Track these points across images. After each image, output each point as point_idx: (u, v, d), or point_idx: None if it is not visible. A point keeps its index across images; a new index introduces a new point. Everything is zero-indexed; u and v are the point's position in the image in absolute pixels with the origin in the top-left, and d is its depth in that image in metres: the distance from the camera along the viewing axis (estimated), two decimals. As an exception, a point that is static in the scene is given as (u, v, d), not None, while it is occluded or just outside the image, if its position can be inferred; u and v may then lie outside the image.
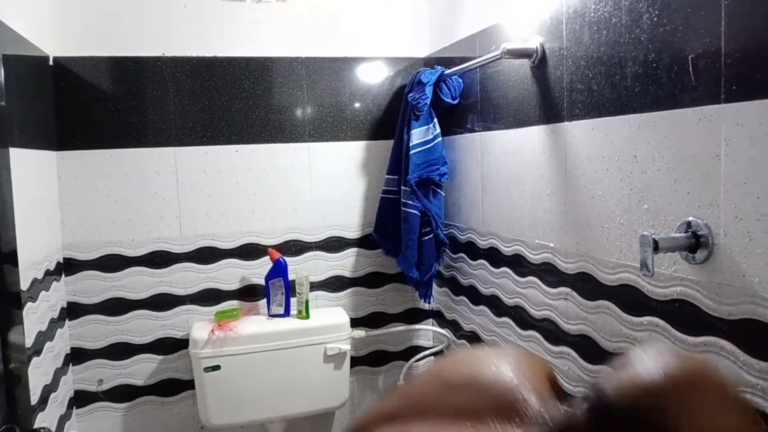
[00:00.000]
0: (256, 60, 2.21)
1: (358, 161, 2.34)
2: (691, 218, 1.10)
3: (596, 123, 1.35)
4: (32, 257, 1.68)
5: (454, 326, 2.25)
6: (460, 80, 2.04)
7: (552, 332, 1.59)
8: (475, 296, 2.02)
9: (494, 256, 1.88)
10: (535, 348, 1.68)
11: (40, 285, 1.74)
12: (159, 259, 2.16)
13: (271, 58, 2.22)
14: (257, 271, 2.25)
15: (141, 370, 2.18)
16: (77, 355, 2.11)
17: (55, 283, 1.94)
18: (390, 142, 2.27)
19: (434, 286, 2.36)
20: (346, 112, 2.31)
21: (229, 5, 2.19)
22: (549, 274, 1.59)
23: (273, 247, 2.23)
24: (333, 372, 2.10)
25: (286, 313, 2.19)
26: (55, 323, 1.91)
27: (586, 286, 1.43)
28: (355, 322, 2.33)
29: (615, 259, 1.32)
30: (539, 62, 1.56)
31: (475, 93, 1.94)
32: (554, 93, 1.51)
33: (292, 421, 2.15)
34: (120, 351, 2.15)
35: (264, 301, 2.24)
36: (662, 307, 1.19)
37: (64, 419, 1.95)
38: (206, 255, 2.21)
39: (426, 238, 2.13)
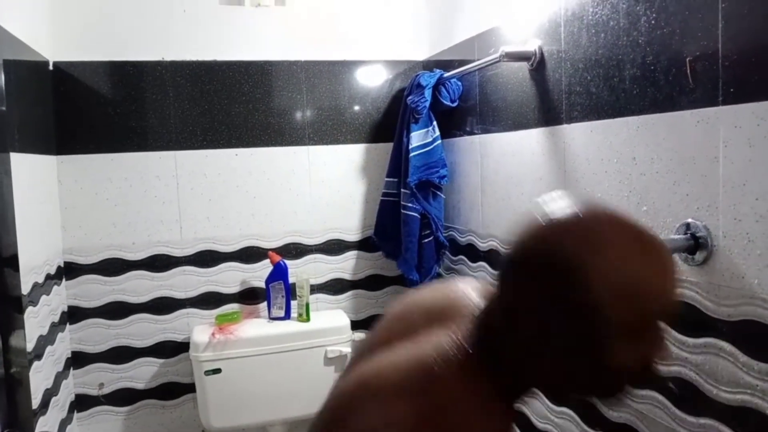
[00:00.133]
0: (256, 64, 2.21)
1: (357, 164, 2.34)
2: (690, 220, 1.10)
3: (595, 125, 1.36)
4: (33, 261, 1.68)
5: (454, 328, 2.25)
6: (459, 83, 2.04)
7: (552, 334, 1.59)
8: (475, 298, 2.02)
9: (494, 258, 1.89)
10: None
11: (40, 289, 1.74)
12: (159, 263, 2.16)
13: (270, 62, 2.23)
14: (257, 274, 2.25)
15: (142, 373, 2.18)
16: (78, 359, 2.11)
17: (55, 287, 1.94)
18: (389, 145, 2.27)
19: (434, 288, 2.36)
20: (346, 115, 2.31)
21: (228, 9, 2.19)
22: (549, 276, 1.59)
23: (273, 250, 2.24)
24: (334, 375, 2.10)
25: (287, 316, 2.19)
26: (56, 327, 1.92)
27: (586, 287, 1.43)
28: (356, 325, 2.33)
29: (614, 260, 1.32)
30: (538, 65, 1.57)
31: (474, 96, 1.94)
32: (553, 95, 1.52)
33: (292, 424, 2.15)
34: (121, 355, 2.15)
35: (264, 304, 2.24)
36: (662, 308, 1.19)
37: (65, 423, 1.95)
38: (206, 258, 2.21)
39: (426, 240, 2.13)
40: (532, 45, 1.57)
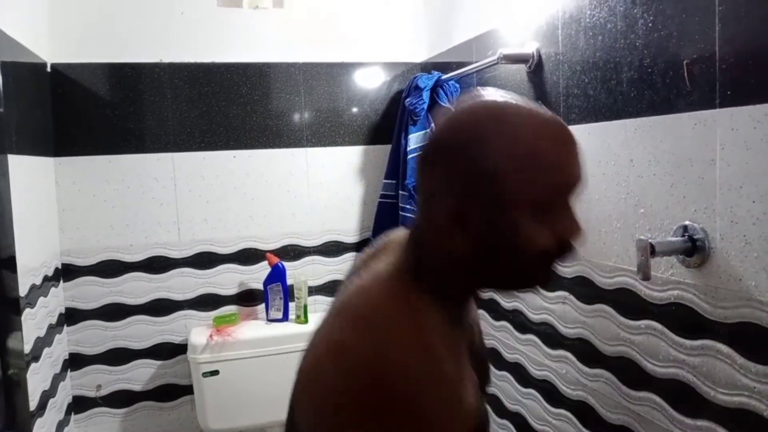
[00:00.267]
0: (254, 66, 2.22)
1: (355, 166, 2.34)
2: (687, 222, 1.10)
3: (592, 128, 1.36)
4: (30, 263, 1.68)
5: (452, 330, 2.25)
6: (457, 85, 2.04)
7: (550, 336, 1.59)
8: (473, 300, 2.02)
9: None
10: (533, 351, 1.69)
11: (38, 291, 1.74)
12: (157, 265, 2.16)
13: (268, 64, 2.23)
14: (255, 276, 2.25)
15: (139, 375, 2.18)
16: (76, 361, 2.11)
17: (53, 288, 1.94)
18: (387, 147, 2.27)
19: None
20: (344, 117, 2.32)
21: (227, 11, 2.20)
22: (546, 278, 1.59)
23: (271, 252, 2.24)
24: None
25: (285, 317, 2.19)
26: (54, 329, 1.91)
27: (584, 290, 1.44)
28: (354, 327, 2.32)
29: (612, 263, 1.33)
30: (535, 67, 1.57)
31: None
32: (550, 98, 1.52)
33: (290, 426, 2.15)
34: (118, 356, 2.15)
35: (262, 306, 2.24)
36: (659, 310, 1.19)
37: (62, 425, 1.95)
38: (204, 260, 2.21)
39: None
40: (529, 47, 1.58)
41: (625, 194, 1.27)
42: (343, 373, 0.65)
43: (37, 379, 1.66)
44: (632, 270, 1.25)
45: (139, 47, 2.11)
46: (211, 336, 2.03)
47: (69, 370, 2.10)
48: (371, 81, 2.33)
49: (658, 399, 1.21)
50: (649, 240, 1.07)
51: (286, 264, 2.22)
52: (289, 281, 2.20)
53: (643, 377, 1.24)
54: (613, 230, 1.31)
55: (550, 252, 0.68)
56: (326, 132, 2.30)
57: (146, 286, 2.16)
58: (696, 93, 1.07)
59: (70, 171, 2.06)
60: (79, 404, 2.13)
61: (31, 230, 1.73)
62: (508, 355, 1.83)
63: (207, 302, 2.22)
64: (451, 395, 0.65)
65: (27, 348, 1.58)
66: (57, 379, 1.91)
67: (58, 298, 2.02)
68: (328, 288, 2.35)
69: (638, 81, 1.21)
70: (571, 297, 1.49)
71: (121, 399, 2.17)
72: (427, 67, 2.30)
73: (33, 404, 1.61)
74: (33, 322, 1.67)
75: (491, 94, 0.72)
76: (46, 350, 1.78)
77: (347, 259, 2.36)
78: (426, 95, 2.04)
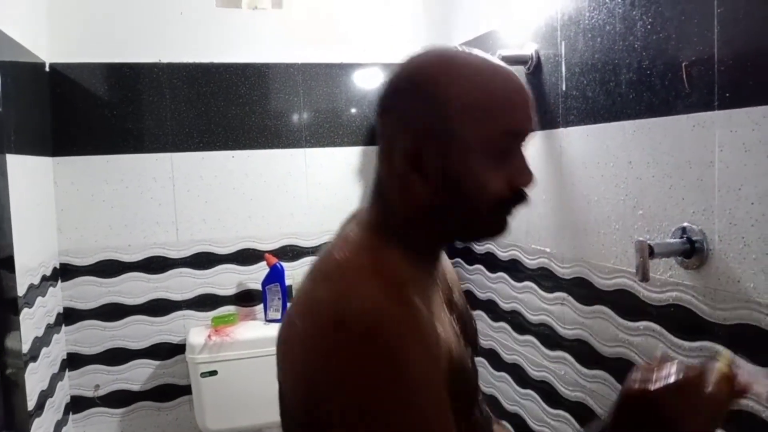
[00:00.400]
0: (253, 66, 2.21)
1: (354, 167, 2.34)
2: (686, 224, 1.11)
3: (591, 129, 1.36)
4: (29, 263, 1.68)
5: (450, 331, 2.25)
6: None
7: (549, 337, 1.60)
8: (472, 301, 2.03)
9: (491, 261, 1.89)
10: (532, 353, 1.69)
11: (36, 290, 1.74)
12: (155, 265, 2.16)
13: (267, 65, 2.23)
14: (254, 276, 2.25)
15: (137, 375, 2.18)
16: (74, 361, 2.11)
17: (51, 288, 1.94)
18: (386, 148, 2.27)
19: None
20: (343, 118, 2.32)
21: (226, 12, 2.19)
22: (545, 279, 1.60)
23: (270, 252, 2.24)
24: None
25: (283, 318, 2.18)
26: (52, 329, 1.91)
27: (583, 291, 1.44)
28: (352, 327, 2.32)
29: (611, 264, 1.33)
30: (534, 69, 1.57)
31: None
32: (549, 99, 1.52)
33: (288, 427, 2.15)
34: (116, 356, 2.15)
35: (261, 306, 2.23)
36: (658, 312, 1.20)
37: (60, 425, 1.94)
38: (203, 260, 2.21)
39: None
40: (529, 49, 1.58)
41: (624, 196, 1.27)
42: (309, 324, 0.66)
43: (35, 379, 1.66)
44: (631, 271, 1.25)
45: (138, 47, 2.10)
46: (209, 336, 2.03)
47: (67, 370, 2.09)
48: (370, 82, 2.33)
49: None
50: (648, 241, 1.07)
51: (284, 264, 2.22)
52: (287, 282, 2.20)
53: (642, 378, 1.24)
54: (612, 231, 1.32)
55: (504, 198, 0.70)
56: (325, 132, 2.30)
57: (145, 286, 2.15)
58: (695, 95, 1.07)
59: (69, 171, 2.06)
60: (77, 404, 2.12)
61: (30, 230, 1.73)
62: (507, 356, 1.83)
63: (205, 302, 2.22)
64: (420, 334, 0.65)
65: (25, 348, 1.58)
66: (55, 379, 1.91)
67: (57, 298, 2.01)
68: (327, 288, 2.34)
69: (637, 83, 1.21)
70: (570, 298, 1.49)
71: (119, 399, 2.16)
72: (426, 67, 2.29)
73: (31, 404, 1.60)
74: (31, 322, 1.67)
75: (442, 46, 0.75)
76: (44, 350, 1.78)
77: (346, 260, 2.36)
78: (425, 96, 2.04)
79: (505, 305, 1.82)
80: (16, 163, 1.58)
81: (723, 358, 0.66)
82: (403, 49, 2.47)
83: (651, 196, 1.20)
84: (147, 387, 2.19)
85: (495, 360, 1.89)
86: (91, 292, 2.10)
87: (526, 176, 0.71)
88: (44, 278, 1.85)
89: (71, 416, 2.11)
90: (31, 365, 1.63)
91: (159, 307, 2.17)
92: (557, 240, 1.53)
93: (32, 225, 1.77)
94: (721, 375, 0.64)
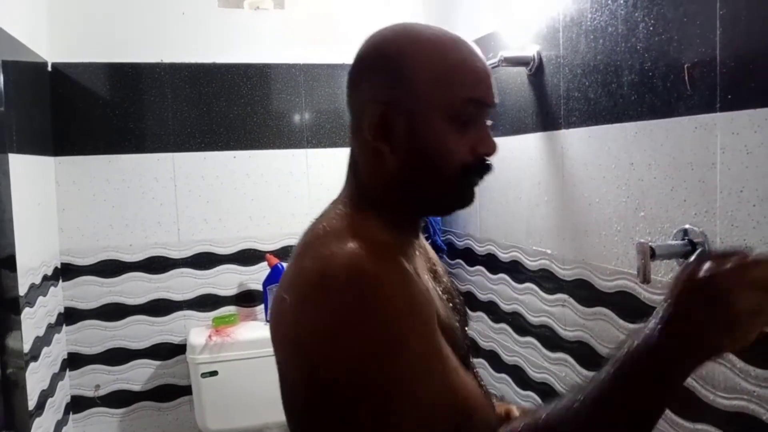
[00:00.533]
0: (255, 66, 2.22)
1: (355, 167, 2.34)
2: (687, 226, 1.10)
3: (593, 131, 1.36)
4: (30, 262, 1.68)
5: (451, 332, 2.25)
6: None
7: (550, 339, 1.59)
8: (473, 302, 2.02)
9: (492, 263, 1.89)
10: (532, 354, 1.68)
11: (37, 290, 1.74)
12: (157, 265, 2.16)
13: (269, 65, 2.23)
14: (255, 276, 2.25)
15: (138, 375, 2.18)
16: (74, 361, 2.11)
17: (52, 288, 1.94)
18: (388, 149, 2.27)
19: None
20: (344, 119, 2.31)
21: (228, 12, 2.20)
22: (546, 280, 1.59)
23: (271, 252, 2.24)
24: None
25: (284, 318, 2.18)
26: (53, 328, 1.91)
27: (584, 292, 1.44)
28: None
29: (612, 266, 1.33)
30: (536, 70, 1.57)
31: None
32: (551, 101, 1.52)
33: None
34: (117, 356, 2.15)
35: (262, 306, 2.24)
36: (659, 313, 1.19)
37: (60, 425, 1.95)
38: (204, 261, 2.21)
39: (424, 244, 2.13)
40: (530, 50, 1.58)
41: (626, 197, 1.27)
42: (297, 293, 0.67)
43: (35, 379, 1.66)
44: (632, 273, 1.25)
45: (140, 47, 2.11)
46: (210, 336, 2.03)
47: (68, 369, 2.10)
48: (372, 82, 2.33)
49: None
50: (649, 243, 1.07)
51: (285, 265, 2.21)
52: (288, 282, 2.20)
53: (643, 380, 1.24)
54: (613, 233, 1.31)
55: (468, 164, 0.73)
56: (327, 133, 2.30)
57: (146, 286, 2.15)
58: (696, 97, 1.07)
59: (71, 170, 2.06)
60: (78, 404, 2.12)
61: (31, 229, 1.73)
62: (508, 358, 1.83)
63: (206, 303, 2.22)
64: (406, 281, 0.67)
65: (26, 347, 1.58)
66: (56, 378, 1.91)
67: (57, 298, 2.02)
68: (328, 289, 2.34)
69: (639, 84, 1.21)
70: (571, 300, 1.49)
71: (119, 399, 2.17)
72: (428, 68, 2.29)
73: (31, 404, 1.61)
74: (32, 322, 1.67)
75: (404, 22, 0.79)
76: (44, 350, 1.78)
77: (347, 261, 2.36)
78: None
79: (505, 306, 1.82)
80: (17, 162, 1.58)
81: None
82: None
83: (652, 198, 1.19)
84: (147, 387, 2.19)
85: (495, 361, 1.89)
86: (92, 291, 2.10)
87: (489, 145, 0.75)
88: (45, 278, 1.85)
89: (71, 416, 2.11)
90: (31, 365, 1.63)
91: (160, 307, 2.17)
92: (558, 241, 1.53)
93: (34, 224, 1.77)
94: None
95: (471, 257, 2.03)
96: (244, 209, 2.23)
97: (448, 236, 2.19)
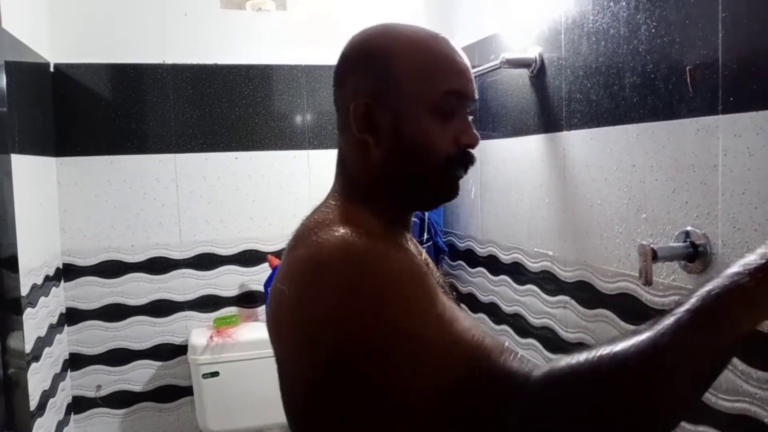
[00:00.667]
0: (256, 67, 2.22)
1: (357, 168, 2.34)
2: (689, 228, 1.10)
3: (594, 132, 1.36)
4: (32, 263, 1.68)
5: (452, 333, 2.25)
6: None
7: (551, 340, 1.59)
8: (474, 304, 2.02)
9: (493, 264, 1.89)
10: (534, 356, 1.68)
11: (39, 290, 1.74)
12: (158, 266, 2.16)
13: (271, 66, 2.23)
14: (256, 277, 2.25)
15: (139, 376, 2.18)
16: (76, 361, 2.11)
17: (54, 288, 1.94)
18: (389, 150, 2.27)
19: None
20: (346, 120, 2.31)
21: (230, 13, 2.20)
22: (548, 282, 1.59)
23: (272, 253, 2.24)
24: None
25: (285, 319, 2.19)
26: (54, 329, 1.91)
27: (585, 294, 1.44)
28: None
29: (614, 267, 1.33)
30: (538, 72, 1.57)
31: (474, 102, 1.94)
32: (553, 102, 1.52)
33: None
34: (118, 357, 2.15)
35: (263, 307, 2.24)
36: (660, 315, 1.19)
37: (62, 425, 1.95)
38: (205, 261, 2.21)
39: (425, 245, 2.13)
40: (532, 52, 1.58)
41: (627, 199, 1.27)
42: (294, 281, 0.68)
43: (37, 379, 1.66)
44: (634, 275, 1.25)
45: (142, 48, 2.11)
46: (211, 337, 2.03)
47: (69, 370, 2.10)
48: (373, 84, 2.33)
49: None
50: (651, 245, 1.07)
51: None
52: (289, 283, 2.20)
53: (644, 382, 1.24)
54: (615, 235, 1.31)
55: (451, 155, 0.74)
56: (328, 134, 2.30)
57: (147, 286, 2.16)
58: (698, 99, 1.07)
59: (72, 171, 2.06)
60: (79, 404, 2.13)
61: (33, 230, 1.73)
62: (509, 359, 1.82)
63: (207, 303, 2.22)
64: (404, 253, 0.68)
65: (28, 348, 1.58)
66: (57, 379, 1.91)
67: (59, 298, 2.02)
68: (329, 290, 2.34)
69: (641, 86, 1.21)
70: (572, 302, 1.49)
71: (120, 400, 2.17)
72: (430, 70, 2.29)
73: (33, 404, 1.61)
74: (34, 322, 1.67)
75: (385, 22, 0.82)
76: (46, 350, 1.78)
77: (348, 262, 2.36)
78: (428, 98, 2.04)
79: (507, 308, 1.82)
80: (20, 163, 1.58)
81: None
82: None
83: (654, 200, 1.19)
84: (149, 388, 2.19)
85: (497, 363, 1.88)
86: (93, 292, 2.11)
87: (472, 136, 0.76)
88: (47, 278, 1.85)
89: (73, 416, 2.11)
90: (33, 365, 1.63)
91: (161, 308, 2.18)
92: (560, 243, 1.53)
93: (35, 225, 1.77)
94: None
95: (472, 259, 2.03)
96: (245, 210, 2.24)
97: (450, 237, 2.19)
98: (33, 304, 1.67)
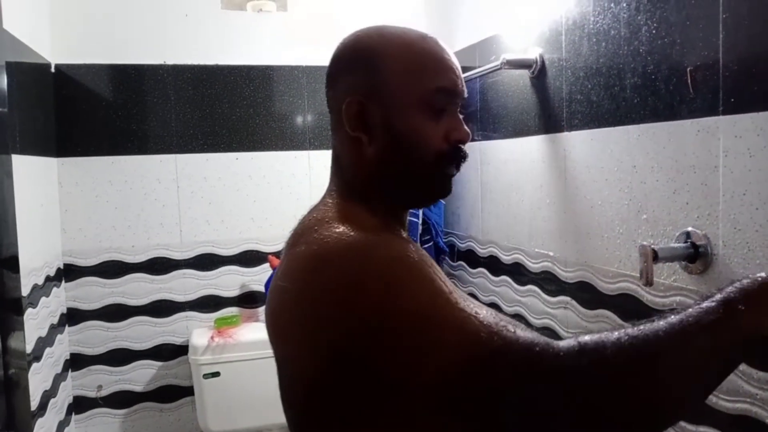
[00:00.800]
0: (257, 68, 2.22)
1: (358, 169, 2.34)
2: (690, 228, 1.10)
3: (595, 133, 1.36)
4: (33, 263, 1.69)
5: (453, 334, 2.25)
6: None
7: (551, 341, 1.59)
8: (475, 304, 2.02)
9: (494, 265, 1.89)
10: (534, 356, 1.68)
11: (40, 291, 1.74)
12: (159, 266, 2.16)
13: (271, 67, 2.24)
14: (257, 278, 2.25)
15: (140, 376, 2.18)
16: (77, 361, 2.11)
17: (55, 289, 1.94)
18: (390, 150, 2.27)
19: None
20: (347, 120, 2.32)
21: (231, 14, 2.20)
22: (549, 282, 1.60)
23: (273, 254, 2.24)
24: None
25: (286, 320, 2.19)
26: (55, 329, 1.92)
27: (586, 295, 1.44)
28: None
29: (614, 268, 1.33)
30: (539, 73, 1.57)
31: (475, 102, 1.95)
32: (553, 103, 1.52)
33: (290, 429, 2.15)
34: (119, 357, 2.15)
35: (264, 308, 2.23)
36: (661, 316, 1.19)
37: (63, 425, 1.95)
38: (206, 262, 2.21)
39: (426, 245, 2.13)
40: (533, 53, 1.58)
41: (628, 200, 1.27)
42: (295, 278, 0.69)
43: (38, 379, 1.67)
44: (634, 276, 1.25)
45: (143, 49, 2.11)
46: (212, 338, 2.03)
47: (70, 370, 2.10)
48: (374, 84, 2.33)
49: (659, 405, 1.21)
50: (652, 246, 1.07)
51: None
52: (290, 283, 2.20)
53: (645, 383, 1.24)
54: (616, 236, 1.32)
55: (443, 151, 0.75)
56: (329, 135, 2.27)
57: (148, 287, 2.16)
58: (699, 100, 1.07)
59: (73, 171, 2.06)
60: (80, 405, 2.13)
61: (34, 230, 1.73)
62: (509, 360, 1.82)
63: (208, 304, 2.22)
64: (406, 245, 0.68)
65: (29, 348, 1.58)
66: (58, 379, 1.92)
67: (60, 299, 2.02)
68: (330, 291, 2.34)
69: (641, 87, 1.21)
70: (573, 302, 1.49)
71: (121, 400, 2.17)
72: (430, 70, 2.29)
73: (34, 404, 1.61)
74: (35, 322, 1.67)
75: (374, 24, 0.84)
76: (47, 350, 1.79)
77: (349, 262, 2.36)
78: (429, 99, 2.04)
79: (508, 309, 1.82)
80: (21, 163, 1.58)
81: None
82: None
83: (655, 201, 1.19)
84: (149, 388, 2.19)
85: (497, 363, 1.89)
86: (94, 292, 2.11)
87: (462, 132, 0.77)
88: (48, 278, 1.85)
89: (74, 417, 2.11)
90: (34, 365, 1.63)
91: (162, 308, 2.18)
92: (561, 244, 1.53)
93: (36, 225, 1.77)
94: None
95: (473, 259, 2.03)
96: (246, 211, 2.24)
97: (451, 238, 2.19)
98: (34, 305, 1.67)
